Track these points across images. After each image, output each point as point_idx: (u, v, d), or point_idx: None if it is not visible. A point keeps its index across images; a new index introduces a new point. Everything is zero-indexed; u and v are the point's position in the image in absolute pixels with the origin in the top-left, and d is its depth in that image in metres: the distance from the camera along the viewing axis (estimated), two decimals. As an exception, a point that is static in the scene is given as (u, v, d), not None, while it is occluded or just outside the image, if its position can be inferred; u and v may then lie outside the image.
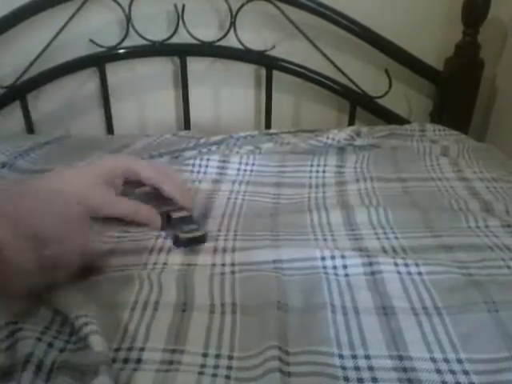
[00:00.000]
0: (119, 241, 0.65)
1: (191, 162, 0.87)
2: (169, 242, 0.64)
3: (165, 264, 0.59)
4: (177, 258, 0.60)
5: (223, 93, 1.21)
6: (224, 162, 0.89)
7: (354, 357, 0.46)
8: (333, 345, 0.47)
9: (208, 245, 0.64)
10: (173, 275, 0.57)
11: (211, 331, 0.49)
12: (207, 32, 1.09)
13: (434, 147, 0.97)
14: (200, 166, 0.87)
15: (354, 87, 1.14)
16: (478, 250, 0.62)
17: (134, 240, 0.66)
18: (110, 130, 1.19)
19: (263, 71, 1.14)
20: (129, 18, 1.06)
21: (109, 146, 1.00)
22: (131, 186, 0.68)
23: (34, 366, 0.42)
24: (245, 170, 0.88)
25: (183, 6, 1.05)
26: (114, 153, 0.94)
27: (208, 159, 0.88)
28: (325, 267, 0.58)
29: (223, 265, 0.60)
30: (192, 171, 0.86)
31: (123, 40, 1.08)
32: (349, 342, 0.48)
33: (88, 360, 0.43)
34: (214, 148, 0.96)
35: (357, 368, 0.45)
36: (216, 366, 0.45)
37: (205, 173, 0.87)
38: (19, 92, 1.11)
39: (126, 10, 1.05)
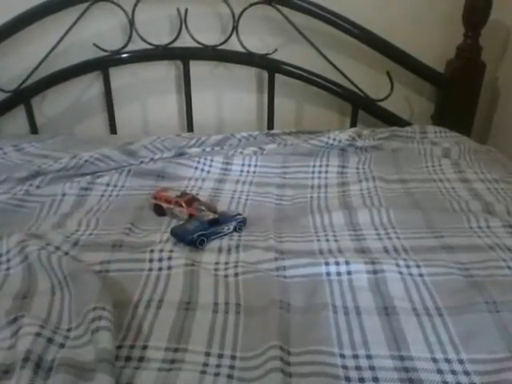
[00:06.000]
0: (123, 238, 0.66)
1: (196, 160, 0.88)
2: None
3: (170, 262, 0.60)
4: (182, 255, 0.61)
5: (226, 96, 1.22)
6: (227, 163, 0.89)
7: (356, 357, 0.46)
8: (334, 344, 0.48)
9: (213, 244, 0.65)
10: (178, 274, 0.58)
11: (214, 331, 0.50)
12: (210, 36, 1.10)
13: (434, 149, 0.97)
14: (204, 164, 0.88)
15: (356, 90, 1.14)
16: (479, 251, 0.62)
17: (138, 237, 0.67)
18: (113, 133, 1.20)
19: (265, 74, 1.15)
20: (132, 23, 1.07)
21: (112, 142, 1.01)
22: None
23: (34, 364, 0.42)
24: (248, 171, 0.89)
25: (186, 11, 1.06)
26: (119, 148, 0.94)
27: (212, 160, 0.89)
28: (328, 273, 0.58)
29: (227, 263, 0.61)
30: (196, 168, 0.88)
31: (126, 44, 1.09)
32: (350, 342, 0.48)
33: (88, 357, 0.44)
34: (217, 148, 0.97)
35: (358, 368, 0.45)
36: (218, 366, 0.46)
37: (208, 172, 0.88)
38: (23, 96, 1.12)
39: (130, 15, 1.06)
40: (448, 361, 0.46)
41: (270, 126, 1.19)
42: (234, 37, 1.08)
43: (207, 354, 0.47)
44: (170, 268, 0.59)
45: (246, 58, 1.11)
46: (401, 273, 0.57)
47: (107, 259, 0.60)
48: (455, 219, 0.70)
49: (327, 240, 0.66)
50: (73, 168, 0.85)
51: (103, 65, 1.11)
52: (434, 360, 0.46)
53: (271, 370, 0.44)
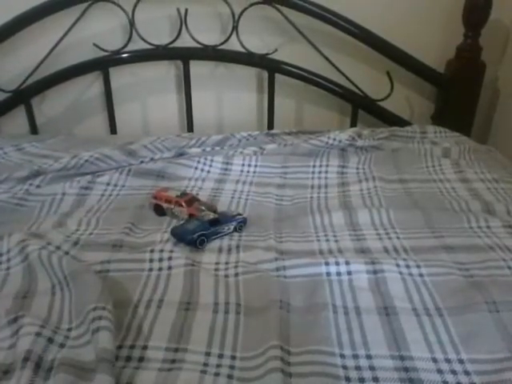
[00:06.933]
0: (123, 238, 0.66)
1: (196, 160, 0.89)
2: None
3: (170, 262, 0.60)
4: (182, 256, 0.61)
5: (226, 96, 1.22)
6: (227, 163, 0.90)
7: (356, 356, 0.46)
8: (334, 344, 0.48)
9: (213, 244, 0.65)
10: (178, 274, 0.58)
11: (214, 331, 0.50)
12: (210, 36, 1.10)
13: (434, 149, 0.97)
14: (204, 164, 0.89)
15: (356, 90, 1.14)
16: (479, 251, 0.62)
17: (138, 237, 0.67)
18: (113, 133, 1.20)
19: (265, 74, 1.15)
20: (132, 23, 1.07)
21: (113, 142, 1.01)
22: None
23: (34, 364, 0.42)
24: (248, 171, 0.89)
25: (186, 11, 1.06)
26: (119, 148, 0.93)
27: (212, 160, 0.89)
28: (328, 273, 0.58)
29: (227, 263, 0.61)
30: (196, 168, 0.88)
31: (127, 44, 1.09)
32: (350, 342, 0.48)
33: (88, 357, 0.44)
34: (217, 148, 0.97)
35: (358, 368, 0.45)
36: (219, 365, 0.46)
37: (208, 172, 0.88)
38: (23, 96, 1.12)
39: (130, 15, 1.06)
40: (448, 361, 0.46)
41: (270, 126, 1.19)
42: (234, 37, 1.08)
43: (207, 354, 0.47)
44: (170, 268, 0.59)
45: (246, 58, 1.11)
46: (401, 273, 0.57)
47: (107, 259, 0.60)
48: (455, 219, 0.70)
49: (327, 240, 0.66)
50: (73, 168, 0.85)
51: (103, 65, 1.11)
52: (434, 360, 0.46)
53: (271, 369, 0.44)
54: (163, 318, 0.51)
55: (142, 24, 1.09)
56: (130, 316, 0.51)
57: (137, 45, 1.10)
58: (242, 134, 1.04)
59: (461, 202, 0.76)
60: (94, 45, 1.09)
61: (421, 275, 0.57)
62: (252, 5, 1.05)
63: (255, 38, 1.12)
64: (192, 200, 0.72)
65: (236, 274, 0.58)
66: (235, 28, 1.07)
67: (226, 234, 0.67)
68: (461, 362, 0.45)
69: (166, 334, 0.49)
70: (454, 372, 0.44)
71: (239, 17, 1.06)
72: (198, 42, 1.09)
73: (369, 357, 0.46)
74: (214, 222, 0.66)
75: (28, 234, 0.63)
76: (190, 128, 1.20)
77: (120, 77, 1.16)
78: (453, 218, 0.70)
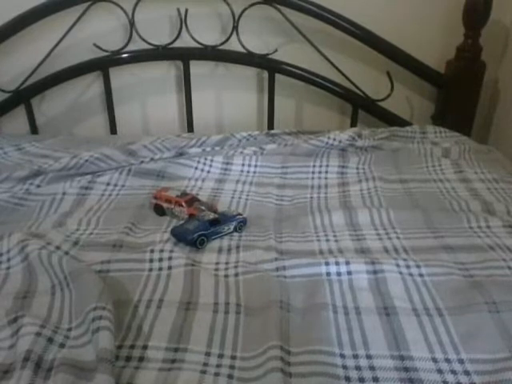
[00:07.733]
0: (123, 237, 0.66)
1: (196, 160, 0.89)
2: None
3: (170, 262, 0.60)
4: (182, 255, 0.61)
5: (226, 96, 1.22)
6: (227, 163, 0.90)
7: (356, 356, 0.46)
8: (334, 344, 0.48)
9: (213, 244, 0.65)
10: (178, 273, 0.58)
11: (214, 331, 0.50)
12: (210, 36, 1.10)
13: (434, 149, 0.97)
14: (204, 164, 0.89)
15: (356, 90, 1.14)
16: (479, 251, 0.62)
17: (138, 237, 0.67)
18: (113, 133, 1.20)
19: (265, 75, 1.15)
20: (132, 23, 1.07)
21: (113, 142, 1.01)
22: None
23: (34, 364, 0.42)
24: (248, 171, 0.89)
25: (186, 11, 1.06)
26: (119, 148, 0.93)
27: (212, 160, 0.89)
28: (328, 273, 0.58)
29: (227, 263, 0.61)
30: (196, 168, 0.88)
31: (127, 44, 1.09)
32: (350, 342, 0.48)
33: (89, 357, 0.44)
34: (217, 148, 0.97)
35: (358, 368, 0.45)
36: (219, 365, 0.46)
37: (208, 172, 0.88)
38: (23, 96, 1.12)
39: (130, 15, 1.06)
40: (448, 361, 0.46)
41: (270, 126, 1.19)
42: (234, 37, 1.08)
43: (207, 354, 0.47)
44: (170, 268, 0.59)
45: (246, 58, 1.11)
46: (401, 273, 0.57)
47: (107, 259, 0.60)
48: (455, 219, 0.70)
49: (327, 240, 0.66)
50: (73, 168, 0.85)
51: (103, 65, 1.11)
52: (434, 360, 0.46)
53: (271, 369, 0.44)
54: (163, 318, 0.51)
55: (141, 24, 1.09)
56: (130, 316, 0.51)
57: (137, 45, 1.10)
58: (242, 134, 1.04)
59: (461, 202, 0.76)
60: (94, 45, 1.09)
61: (421, 275, 0.57)
62: (252, 5, 1.05)
63: (255, 38, 1.12)
64: (192, 200, 0.72)
65: (236, 274, 0.58)
66: (235, 28, 1.07)
67: (225, 234, 0.67)
68: (461, 361, 0.45)
69: (166, 334, 0.49)
70: (453, 372, 0.44)
71: (239, 17, 1.06)
72: (198, 42, 1.09)
73: (369, 357, 0.46)
74: (214, 222, 0.66)
75: (28, 234, 0.63)
76: (190, 128, 1.20)
77: (120, 77, 1.16)
78: (453, 218, 0.70)
